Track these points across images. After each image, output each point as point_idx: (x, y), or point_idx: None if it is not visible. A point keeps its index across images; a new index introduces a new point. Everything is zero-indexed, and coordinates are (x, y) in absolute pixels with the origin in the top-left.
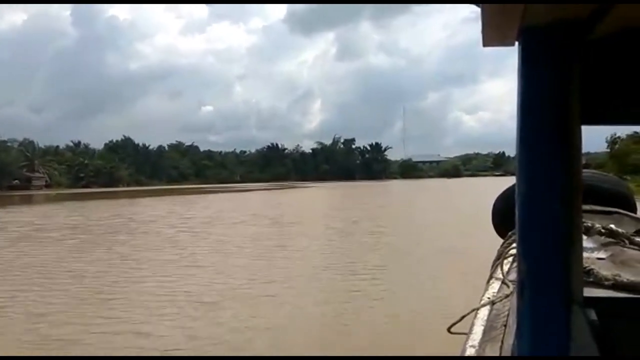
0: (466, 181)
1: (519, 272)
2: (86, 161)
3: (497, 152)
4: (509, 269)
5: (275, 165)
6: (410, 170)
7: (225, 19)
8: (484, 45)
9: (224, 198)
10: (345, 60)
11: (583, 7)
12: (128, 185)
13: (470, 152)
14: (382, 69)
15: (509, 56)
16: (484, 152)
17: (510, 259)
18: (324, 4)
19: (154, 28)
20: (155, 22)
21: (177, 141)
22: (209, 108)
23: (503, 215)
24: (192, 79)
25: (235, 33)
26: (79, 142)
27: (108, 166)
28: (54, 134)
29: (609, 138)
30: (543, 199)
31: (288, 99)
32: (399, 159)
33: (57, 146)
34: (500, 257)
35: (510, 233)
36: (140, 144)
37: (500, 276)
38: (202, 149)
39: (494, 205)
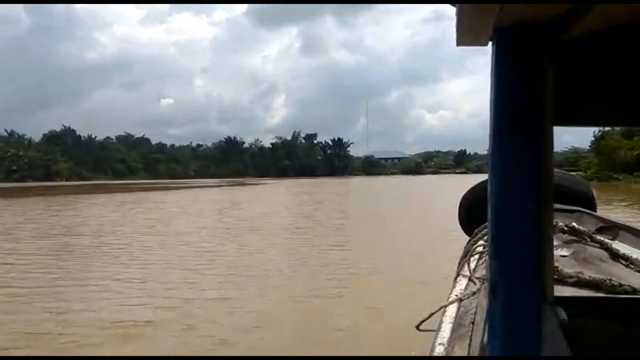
0: (429, 179)
1: (491, 272)
2: (20, 152)
3: (457, 150)
4: (476, 266)
5: (232, 160)
6: (372, 166)
7: (187, 10)
8: (458, 44)
9: (158, 197)
10: (309, 55)
11: (557, 7)
12: (67, 180)
13: (431, 149)
14: (346, 65)
15: (469, 57)
16: (445, 149)
17: (477, 256)
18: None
19: (112, 17)
20: (114, 11)
21: (126, 133)
22: (169, 101)
23: (469, 213)
24: (152, 71)
25: (197, 25)
26: (12, 132)
27: (45, 158)
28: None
29: (596, 132)
30: (516, 198)
31: (251, 93)
32: (361, 155)
33: None
34: (467, 254)
35: (476, 230)
36: (84, 136)
37: (467, 273)
38: (164, 143)
39: (461, 203)
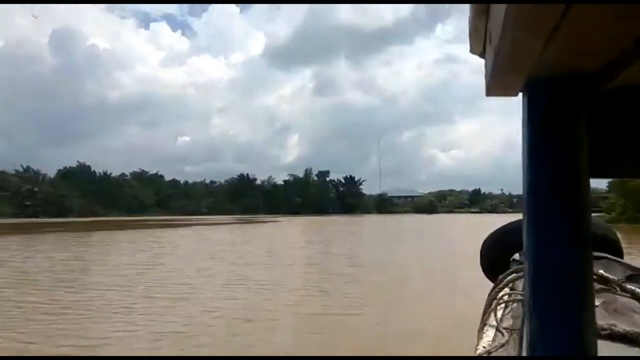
0: (444, 218)
1: (529, 331)
2: (35, 188)
3: (470, 189)
4: (503, 315)
5: (245, 197)
6: (385, 205)
7: (206, 52)
8: (487, 94)
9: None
10: (323, 95)
11: (593, 60)
12: (80, 216)
13: (445, 188)
14: (359, 105)
15: (480, 98)
16: (458, 188)
17: (503, 304)
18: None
19: (134, 58)
20: (135, 53)
21: (140, 169)
22: (186, 139)
23: (492, 258)
24: (170, 110)
25: (215, 66)
26: (28, 167)
27: (59, 194)
28: (20, 161)
29: None
30: (555, 250)
31: (266, 132)
32: (374, 193)
33: (2, 170)
34: (492, 302)
35: (500, 277)
36: (100, 172)
37: (494, 323)
38: (178, 179)
39: (482, 247)
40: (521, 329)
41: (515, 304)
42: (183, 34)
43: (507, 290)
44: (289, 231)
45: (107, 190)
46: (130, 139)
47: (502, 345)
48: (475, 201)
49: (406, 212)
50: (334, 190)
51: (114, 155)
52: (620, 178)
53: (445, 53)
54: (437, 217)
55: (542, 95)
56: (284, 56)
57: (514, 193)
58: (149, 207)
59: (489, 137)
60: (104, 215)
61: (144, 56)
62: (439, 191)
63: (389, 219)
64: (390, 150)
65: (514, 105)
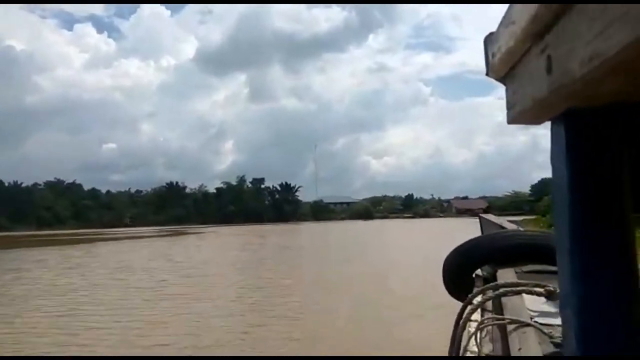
0: (380, 224)
1: (575, 332)
2: None
3: (402, 194)
4: (481, 341)
5: (173, 206)
6: (321, 212)
7: (134, 55)
8: (510, 123)
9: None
10: (258, 102)
11: (635, 89)
12: None
13: (379, 194)
14: (294, 112)
15: (411, 106)
16: (391, 194)
17: (475, 325)
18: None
19: (55, 61)
20: (56, 55)
21: (56, 178)
22: (112, 146)
23: (455, 274)
24: (95, 116)
25: (144, 70)
26: None
27: None
28: None
29: None
30: (604, 291)
31: (199, 138)
32: (310, 200)
33: None
34: (465, 324)
35: (470, 296)
36: (8, 182)
37: (475, 349)
38: (98, 188)
39: (445, 263)
40: (504, 355)
41: (489, 327)
42: (109, 36)
43: (479, 311)
44: (215, 244)
45: (14, 202)
46: (49, 147)
47: None
48: (408, 206)
49: (342, 218)
50: (270, 198)
51: (30, 164)
52: None
53: (378, 62)
54: (376, 223)
55: (585, 125)
56: (217, 61)
57: (442, 198)
58: (64, 219)
59: (418, 145)
60: (9, 230)
61: (66, 58)
62: (373, 197)
63: (327, 226)
64: (325, 157)
65: (440, 114)
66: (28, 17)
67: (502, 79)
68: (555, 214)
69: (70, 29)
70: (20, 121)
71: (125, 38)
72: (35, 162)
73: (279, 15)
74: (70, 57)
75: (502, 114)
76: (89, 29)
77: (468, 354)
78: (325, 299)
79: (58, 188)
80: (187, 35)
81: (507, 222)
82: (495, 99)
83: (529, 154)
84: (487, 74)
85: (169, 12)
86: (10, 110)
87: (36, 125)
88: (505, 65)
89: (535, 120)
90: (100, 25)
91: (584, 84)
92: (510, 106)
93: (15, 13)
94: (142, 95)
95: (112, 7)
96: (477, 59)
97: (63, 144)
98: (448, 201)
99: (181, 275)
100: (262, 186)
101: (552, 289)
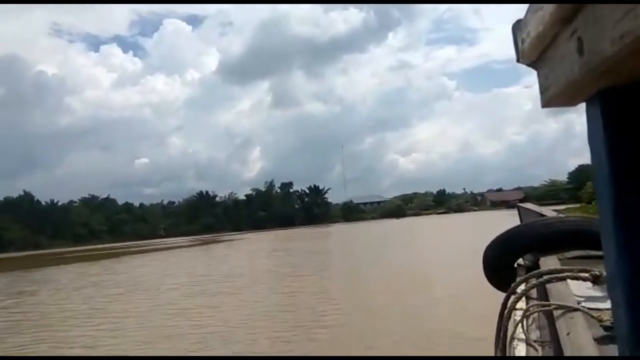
0: (414, 221)
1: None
2: None
3: (433, 190)
4: (528, 328)
5: (204, 215)
6: (352, 212)
7: (159, 71)
8: (544, 106)
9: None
10: (281, 108)
11: None
12: (21, 250)
13: (409, 192)
14: (318, 115)
15: (435, 101)
16: (422, 191)
17: (519, 314)
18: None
19: (84, 82)
20: (85, 77)
21: (90, 195)
22: (144, 160)
23: (496, 265)
24: (125, 133)
25: (170, 85)
26: None
27: None
28: None
29: None
30: None
31: (226, 148)
32: (339, 202)
33: None
34: (510, 313)
35: (513, 285)
36: (45, 201)
37: (522, 336)
38: (131, 202)
39: (485, 254)
40: (552, 340)
41: (535, 315)
42: (135, 55)
43: (525, 299)
44: (247, 251)
45: (52, 220)
46: (83, 165)
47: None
48: (440, 202)
49: (373, 218)
50: (299, 201)
51: (65, 183)
52: None
53: (399, 59)
54: (406, 221)
55: (619, 103)
56: (239, 71)
57: (475, 191)
58: (99, 234)
59: (445, 139)
60: (49, 247)
61: (95, 79)
62: (404, 195)
63: (359, 226)
64: (352, 158)
65: (467, 107)
66: (56, 42)
67: (533, 64)
68: (598, 195)
69: (96, 50)
70: (55, 143)
71: (149, 55)
72: (71, 180)
73: (297, 21)
74: (98, 77)
75: (530, 103)
76: (114, 49)
77: (515, 342)
78: (373, 301)
79: (93, 204)
80: (208, 48)
81: (548, 211)
82: (522, 88)
83: (562, 140)
84: (517, 61)
85: (190, 27)
86: (45, 133)
87: (70, 145)
88: (535, 50)
89: (570, 102)
90: (125, 45)
91: (616, 62)
92: (543, 90)
93: (44, 39)
94: (169, 109)
95: (136, 26)
96: (502, 49)
97: (96, 161)
98: (482, 194)
99: (227, 286)
100: (291, 190)
101: (598, 273)
